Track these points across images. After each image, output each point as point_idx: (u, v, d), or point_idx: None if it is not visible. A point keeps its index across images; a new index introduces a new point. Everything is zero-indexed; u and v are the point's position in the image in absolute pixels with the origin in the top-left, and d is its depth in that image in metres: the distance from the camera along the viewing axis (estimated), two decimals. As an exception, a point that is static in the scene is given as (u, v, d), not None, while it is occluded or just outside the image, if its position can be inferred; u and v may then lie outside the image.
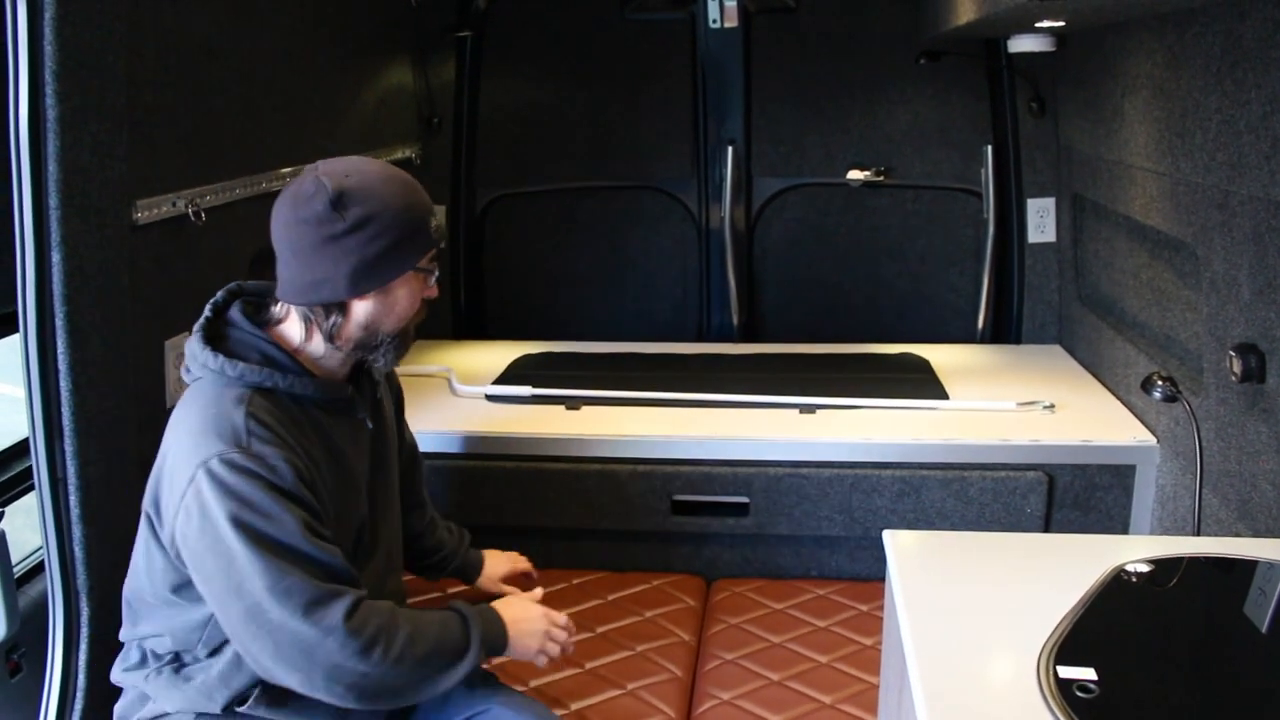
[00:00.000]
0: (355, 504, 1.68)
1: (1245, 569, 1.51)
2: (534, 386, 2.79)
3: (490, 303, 3.58)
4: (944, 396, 2.70)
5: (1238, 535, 1.93)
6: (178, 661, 1.63)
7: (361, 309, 1.60)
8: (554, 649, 1.76)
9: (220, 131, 2.15)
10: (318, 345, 1.63)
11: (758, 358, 3.15)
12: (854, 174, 3.34)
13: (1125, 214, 2.50)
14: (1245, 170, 1.81)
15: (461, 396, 2.82)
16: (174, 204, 1.96)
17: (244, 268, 2.26)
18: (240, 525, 1.45)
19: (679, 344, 3.33)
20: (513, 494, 2.51)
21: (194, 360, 1.59)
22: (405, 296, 1.63)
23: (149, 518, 1.57)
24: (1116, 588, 1.44)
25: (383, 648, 1.49)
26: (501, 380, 2.92)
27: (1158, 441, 2.34)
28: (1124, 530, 2.40)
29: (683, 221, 3.51)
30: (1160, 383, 1.91)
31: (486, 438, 2.55)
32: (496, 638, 1.69)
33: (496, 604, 1.75)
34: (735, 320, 3.45)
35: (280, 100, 2.43)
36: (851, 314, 3.46)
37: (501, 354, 3.19)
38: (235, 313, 1.64)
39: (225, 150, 2.17)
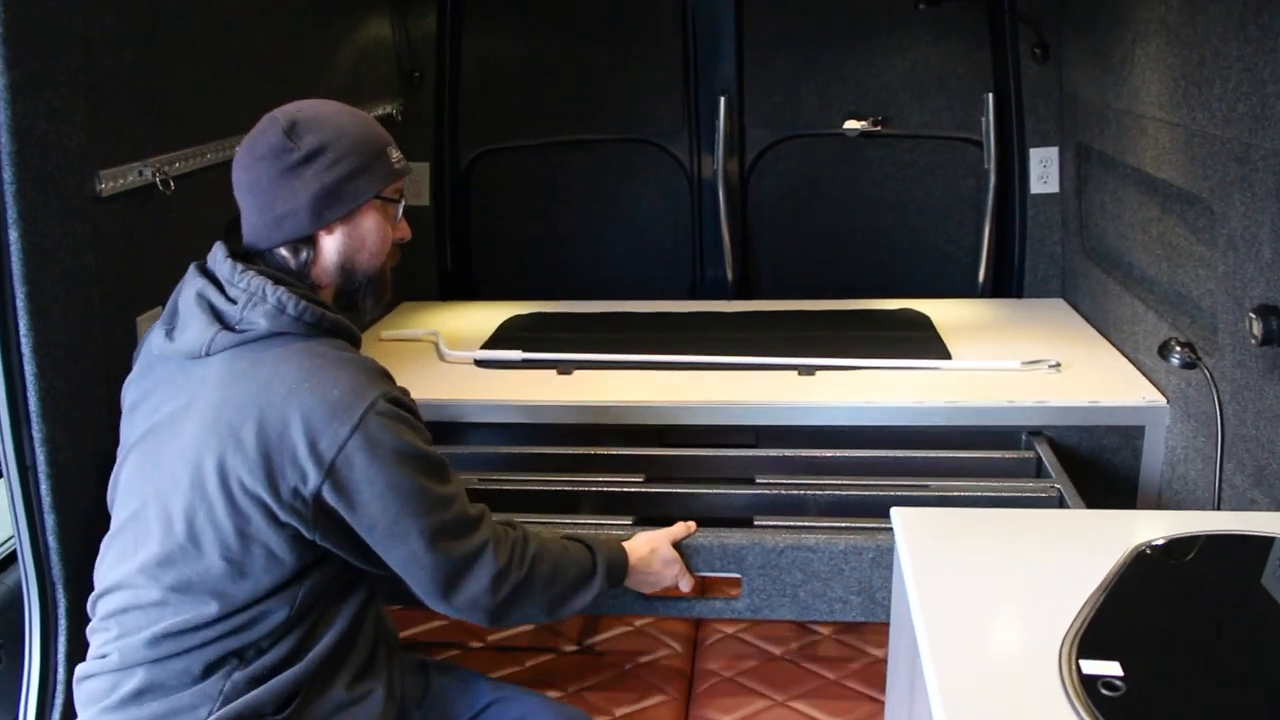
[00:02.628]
0: None
1: (1275, 548, 1.45)
2: (524, 350, 2.71)
3: (477, 262, 3.48)
4: (946, 356, 2.63)
5: (1254, 503, 1.87)
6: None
7: (331, 244, 1.56)
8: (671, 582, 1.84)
9: (187, 94, 2.04)
10: None
11: (754, 315, 3.07)
12: (850, 124, 3.23)
13: (1135, 166, 2.41)
14: (1269, 123, 1.72)
15: (450, 362, 2.74)
16: (140, 173, 1.85)
17: (219, 238, 2.16)
18: (415, 459, 1.46)
19: (672, 302, 3.24)
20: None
21: (275, 313, 1.47)
22: (374, 230, 1.58)
23: (259, 502, 1.43)
24: (1137, 570, 1.38)
25: (520, 559, 1.58)
26: (491, 344, 2.84)
27: (1168, 402, 2.28)
28: (1132, 494, 2.35)
29: (674, 175, 3.41)
30: (1178, 349, 1.83)
31: (477, 405, 2.47)
32: (618, 568, 1.76)
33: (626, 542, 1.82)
34: (729, 275, 3.36)
35: (252, 58, 2.31)
36: (849, 267, 3.37)
37: (490, 316, 3.10)
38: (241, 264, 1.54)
39: (194, 113, 2.06)
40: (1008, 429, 2.34)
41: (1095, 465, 2.34)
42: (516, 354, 2.70)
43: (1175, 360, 1.81)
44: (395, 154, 1.60)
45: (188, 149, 2.01)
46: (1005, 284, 3.23)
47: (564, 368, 2.63)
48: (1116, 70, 2.46)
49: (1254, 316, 1.73)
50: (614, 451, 2.33)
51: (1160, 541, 1.44)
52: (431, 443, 1.53)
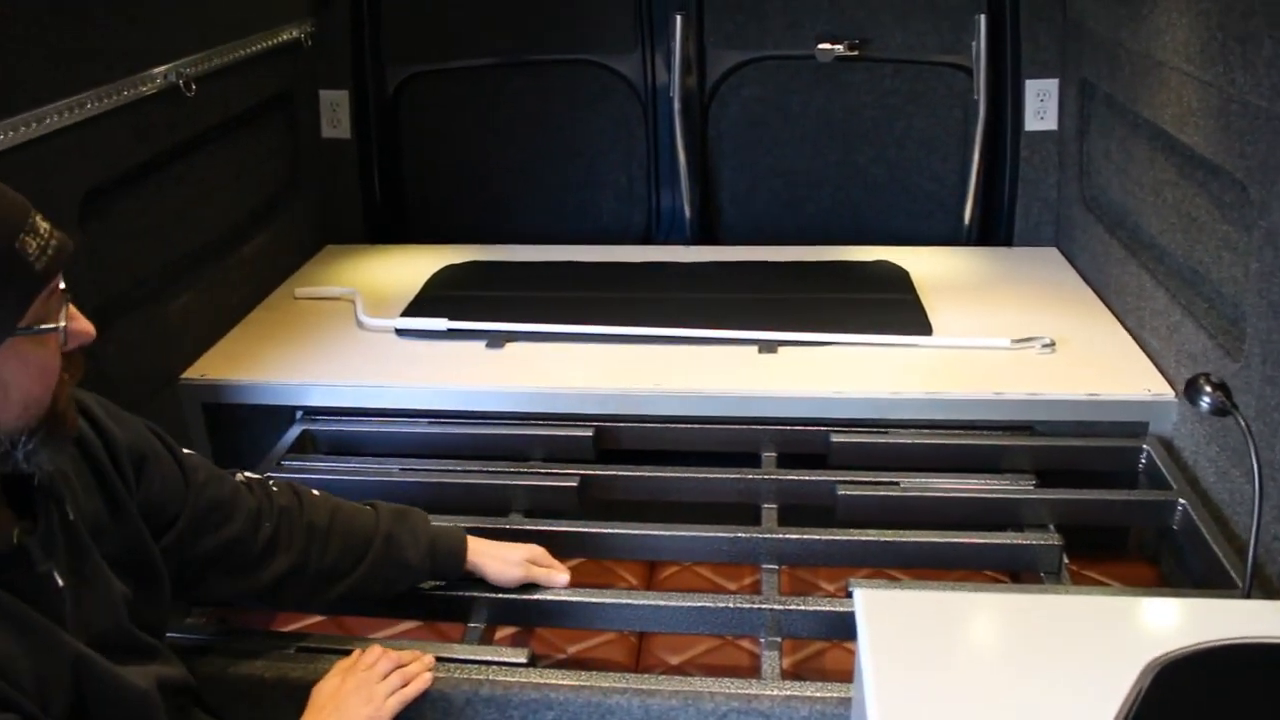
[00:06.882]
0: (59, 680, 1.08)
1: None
2: (451, 317, 2.40)
3: (409, 199, 3.12)
4: (927, 326, 2.33)
5: (1276, 539, 1.61)
6: None
7: None
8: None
9: (13, 37, 1.66)
10: None
11: (713, 267, 2.75)
12: (824, 46, 2.86)
13: (1150, 120, 2.07)
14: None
15: (368, 330, 2.42)
16: None
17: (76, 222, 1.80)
18: None
19: (624, 248, 2.91)
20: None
21: None
22: (19, 371, 1.00)
23: None
24: (1159, 699, 1.11)
25: None
26: (416, 305, 2.53)
27: (1177, 396, 2.00)
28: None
29: (627, 100, 3.03)
30: (1209, 390, 1.52)
31: (392, 389, 2.17)
32: None
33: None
34: (688, 213, 3.02)
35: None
36: (820, 205, 3.03)
37: (421, 263, 2.77)
38: None
39: (23, 64, 1.69)
40: (989, 426, 2.07)
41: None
42: (441, 323, 2.39)
43: (1205, 404, 1.52)
44: (34, 243, 0.99)
45: (14, 118, 1.64)
46: (993, 229, 2.92)
47: (494, 339, 2.32)
48: (1135, 4, 2.10)
49: (1296, 336, 1.44)
50: (544, 469, 2.04)
51: (1189, 652, 1.17)
52: None
